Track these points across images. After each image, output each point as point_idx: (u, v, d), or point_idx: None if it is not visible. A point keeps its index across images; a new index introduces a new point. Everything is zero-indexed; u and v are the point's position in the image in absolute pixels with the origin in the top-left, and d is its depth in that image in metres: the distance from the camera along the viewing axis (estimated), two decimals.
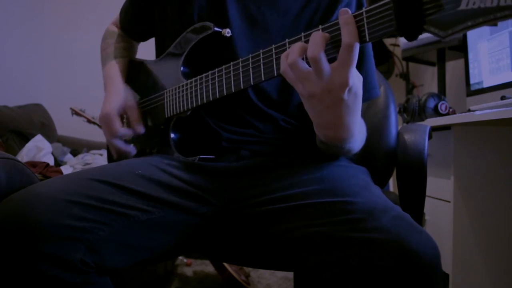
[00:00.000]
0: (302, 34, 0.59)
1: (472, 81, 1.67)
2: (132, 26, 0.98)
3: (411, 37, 0.49)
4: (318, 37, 0.54)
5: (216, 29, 0.75)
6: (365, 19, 0.53)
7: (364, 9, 0.53)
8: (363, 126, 0.74)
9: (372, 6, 0.52)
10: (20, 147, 1.70)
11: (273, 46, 0.63)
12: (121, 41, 0.99)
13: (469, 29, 0.45)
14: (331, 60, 0.56)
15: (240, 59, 0.68)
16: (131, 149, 0.89)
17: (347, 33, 0.53)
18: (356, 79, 0.56)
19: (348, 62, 0.53)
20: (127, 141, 0.91)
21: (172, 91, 0.82)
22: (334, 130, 0.62)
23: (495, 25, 0.44)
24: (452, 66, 2.13)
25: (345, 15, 0.54)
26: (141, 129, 0.87)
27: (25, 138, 1.88)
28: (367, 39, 0.53)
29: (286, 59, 0.57)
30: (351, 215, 0.57)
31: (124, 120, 0.91)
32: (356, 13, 0.54)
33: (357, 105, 0.59)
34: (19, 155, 1.60)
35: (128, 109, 0.87)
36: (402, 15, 0.49)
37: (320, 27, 0.57)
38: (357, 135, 0.66)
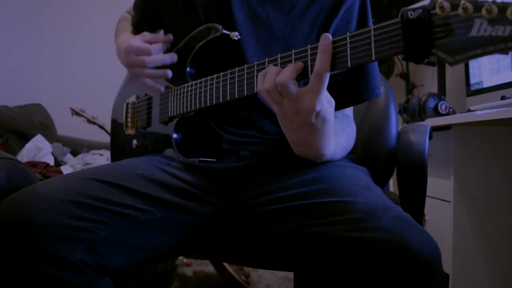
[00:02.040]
0: (309, 46, 0.60)
1: (472, 81, 1.67)
2: (141, 26, 0.97)
3: (417, 60, 0.48)
4: (291, 67, 0.59)
5: (225, 31, 0.74)
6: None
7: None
8: (342, 138, 0.74)
9: (381, 25, 0.51)
10: (20, 147, 1.70)
11: (279, 55, 0.63)
12: None
13: (478, 56, 0.44)
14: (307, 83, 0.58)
15: (246, 66, 0.68)
16: (167, 70, 0.80)
17: (319, 62, 0.56)
18: (325, 104, 0.59)
19: (317, 89, 0.57)
20: (136, 145, 0.90)
21: (177, 90, 0.82)
22: (304, 148, 0.66)
23: (506, 53, 0.43)
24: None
25: (324, 42, 0.56)
26: (171, 36, 0.81)
27: (25, 138, 1.87)
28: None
29: (262, 82, 0.61)
30: (351, 215, 0.57)
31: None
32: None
33: (326, 129, 0.62)
34: (19, 155, 1.60)
35: (150, 38, 0.80)
36: (410, 37, 0.48)
37: (293, 51, 0.60)
38: (329, 153, 0.68)
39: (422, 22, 0.47)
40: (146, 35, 0.81)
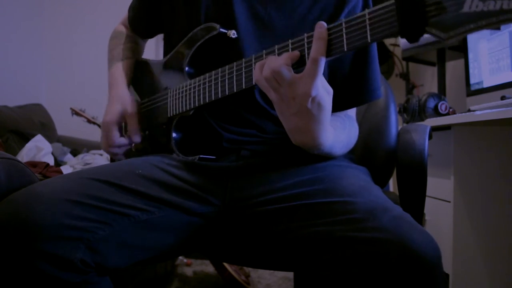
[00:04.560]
0: (305, 35, 0.61)
1: (472, 81, 1.67)
2: (139, 24, 0.98)
3: (412, 39, 0.49)
4: (285, 54, 0.61)
5: (222, 30, 0.74)
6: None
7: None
8: (343, 134, 0.75)
9: (375, 8, 0.53)
10: (20, 147, 1.70)
11: (276, 46, 0.63)
12: (128, 42, 1.00)
13: (471, 31, 0.45)
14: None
15: (244, 59, 0.68)
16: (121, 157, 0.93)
17: (315, 48, 0.57)
18: (321, 90, 0.59)
19: (312, 74, 0.58)
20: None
21: (176, 90, 0.82)
22: (301, 136, 0.65)
23: (498, 28, 0.44)
24: (452, 66, 2.13)
25: (319, 29, 0.58)
26: (137, 139, 0.88)
27: (25, 138, 1.88)
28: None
29: (260, 71, 0.62)
30: (351, 215, 0.57)
31: (123, 130, 0.92)
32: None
33: (323, 115, 0.62)
34: (19, 155, 1.60)
35: (127, 117, 0.88)
36: (404, 17, 0.49)
37: (290, 41, 0.62)
38: (326, 144, 0.67)
39: (415, 2, 0.48)
40: (131, 121, 0.88)
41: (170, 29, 0.88)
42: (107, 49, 1.01)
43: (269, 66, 0.60)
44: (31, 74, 2.69)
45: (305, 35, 0.60)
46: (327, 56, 0.58)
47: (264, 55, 0.65)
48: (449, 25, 0.46)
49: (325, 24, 0.58)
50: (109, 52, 1.00)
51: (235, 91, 0.70)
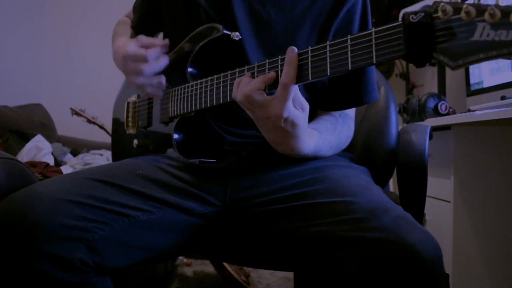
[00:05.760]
0: (279, 57, 0.62)
1: (472, 81, 1.67)
2: (141, 26, 0.97)
3: (419, 64, 0.48)
4: (259, 78, 0.63)
5: (226, 31, 0.74)
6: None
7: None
8: (332, 136, 0.76)
9: (382, 27, 0.50)
10: (20, 147, 1.70)
11: (279, 57, 0.63)
12: None
13: (480, 61, 0.43)
14: None
15: (246, 67, 0.68)
16: (162, 78, 0.79)
17: (285, 73, 0.59)
18: (293, 111, 0.61)
19: (283, 98, 0.59)
20: (138, 142, 0.91)
21: (178, 90, 0.81)
22: (280, 147, 0.68)
23: (509, 59, 0.42)
24: None
25: (290, 54, 0.59)
26: (166, 60, 0.78)
27: (25, 138, 1.88)
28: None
29: (237, 90, 0.64)
30: (352, 215, 0.57)
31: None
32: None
33: (298, 131, 0.64)
34: (19, 155, 1.60)
35: (146, 42, 0.78)
36: (412, 41, 0.47)
37: (266, 61, 0.64)
38: (308, 151, 0.70)
39: (424, 26, 0.46)
40: (142, 39, 0.78)
41: (170, 28, 0.87)
42: (112, 33, 0.96)
43: (241, 91, 0.63)
44: (31, 74, 2.69)
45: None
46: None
47: (266, 64, 0.65)
48: (458, 52, 0.44)
49: (295, 49, 0.59)
50: (114, 33, 0.95)
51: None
